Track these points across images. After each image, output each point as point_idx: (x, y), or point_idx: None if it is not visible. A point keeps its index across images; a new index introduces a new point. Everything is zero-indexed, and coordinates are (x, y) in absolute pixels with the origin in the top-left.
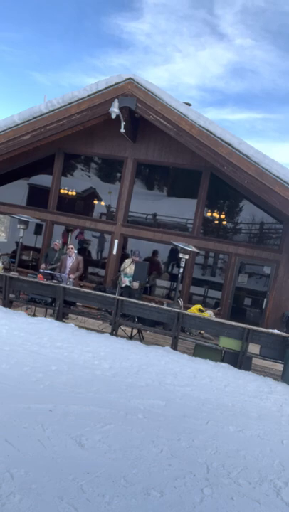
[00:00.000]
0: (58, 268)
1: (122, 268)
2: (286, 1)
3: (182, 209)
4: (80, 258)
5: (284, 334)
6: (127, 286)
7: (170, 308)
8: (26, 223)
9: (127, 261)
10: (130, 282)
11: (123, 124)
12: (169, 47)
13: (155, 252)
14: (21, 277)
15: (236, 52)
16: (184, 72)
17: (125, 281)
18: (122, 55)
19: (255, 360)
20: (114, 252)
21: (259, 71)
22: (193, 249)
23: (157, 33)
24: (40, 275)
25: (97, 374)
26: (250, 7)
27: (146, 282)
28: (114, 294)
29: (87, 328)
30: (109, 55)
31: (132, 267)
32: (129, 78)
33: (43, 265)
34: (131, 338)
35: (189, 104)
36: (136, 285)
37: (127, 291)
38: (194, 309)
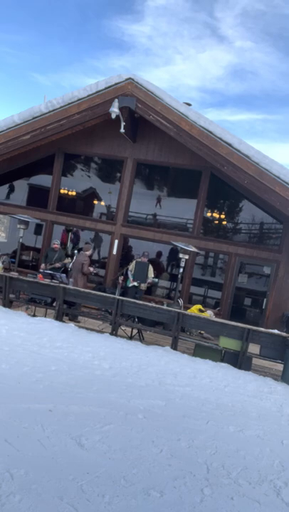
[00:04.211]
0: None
1: (130, 268)
2: (286, 5)
3: (182, 209)
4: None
5: (284, 334)
6: (134, 286)
7: (170, 308)
8: (26, 223)
9: (134, 262)
10: (138, 283)
11: (123, 124)
12: (170, 49)
13: (159, 253)
14: (21, 277)
15: (236, 55)
16: (184, 73)
17: (133, 281)
18: (123, 57)
19: (255, 360)
20: (114, 252)
21: (259, 73)
22: (193, 249)
23: (158, 35)
24: (40, 275)
25: (97, 374)
26: (250, 10)
27: (156, 282)
28: (114, 294)
29: (87, 328)
30: (110, 57)
31: None
32: (129, 78)
33: (42, 265)
34: (131, 338)
35: (189, 105)
36: (144, 285)
37: (134, 291)
38: (194, 309)
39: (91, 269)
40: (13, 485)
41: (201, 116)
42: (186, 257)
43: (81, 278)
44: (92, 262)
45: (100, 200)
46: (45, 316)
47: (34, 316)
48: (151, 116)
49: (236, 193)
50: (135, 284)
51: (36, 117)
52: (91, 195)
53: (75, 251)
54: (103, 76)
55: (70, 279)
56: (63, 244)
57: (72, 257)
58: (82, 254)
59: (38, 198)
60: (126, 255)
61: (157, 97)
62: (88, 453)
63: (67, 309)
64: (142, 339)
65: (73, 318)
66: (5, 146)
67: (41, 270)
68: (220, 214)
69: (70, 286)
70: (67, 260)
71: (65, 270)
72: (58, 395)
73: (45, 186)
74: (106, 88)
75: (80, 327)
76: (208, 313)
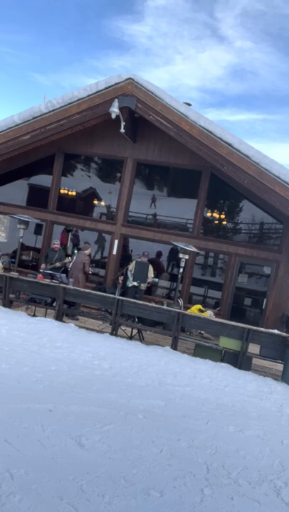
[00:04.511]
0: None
1: (130, 268)
2: (286, 5)
3: (182, 209)
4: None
5: (284, 334)
6: (134, 286)
7: (170, 308)
8: (26, 223)
9: (134, 262)
10: (138, 283)
11: (123, 124)
12: (170, 49)
13: (159, 253)
14: (21, 277)
15: (236, 55)
16: (184, 73)
17: (132, 281)
18: (124, 57)
19: (255, 360)
20: (114, 252)
21: (259, 73)
22: (193, 249)
23: (158, 35)
24: (40, 275)
25: (97, 374)
26: (250, 10)
27: (156, 282)
28: (114, 294)
29: (87, 328)
30: (110, 57)
31: None
32: (129, 78)
33: (43, 265)
34: (131, 338)
35: (189, 105)
36: (144, 285)
37: (133, 291)
38: (194, 309)
39: (90, 268)
40: (13, 485)
41: (201, 116)
42: (186, 257)
43: (82, 278)
44: (91, 262)
45: (100, 200)
46: (45, 316)
47: (34, 316)
48: (151, 116)
49: (236, 193)
50: (135, 284)
51: (36, 117)
52: (91, 195)
53: (75, 251)
54: (103, 76)
55: (70, 279)
56: (63, 244)
57: (72, 256)
58: (82, 254)
59: (38, 198)
60: (126, 255)
61: (157, 97)
62: (88, 453)
63: (67, 309)
64: (142, 339)
65: (72, 317)
66: (5, 146)
67: (41, 270)
68: (220, 214)
69: (70, 286)
70: (68, 260)
71: (65, 270)
72: (58, 395)
73: (45, 186)
74: (106, 88)
75: (80, 327)
76: (208, 313)
